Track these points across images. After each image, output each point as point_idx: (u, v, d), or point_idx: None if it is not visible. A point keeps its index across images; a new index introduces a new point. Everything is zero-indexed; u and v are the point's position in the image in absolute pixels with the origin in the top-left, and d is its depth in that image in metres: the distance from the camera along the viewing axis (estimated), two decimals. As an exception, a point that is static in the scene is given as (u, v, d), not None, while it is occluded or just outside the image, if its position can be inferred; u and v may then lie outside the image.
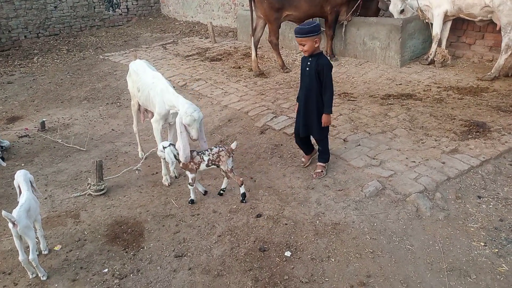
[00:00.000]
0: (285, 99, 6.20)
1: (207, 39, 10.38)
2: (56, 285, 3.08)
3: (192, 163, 3.86)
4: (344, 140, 4.86)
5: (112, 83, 7.86)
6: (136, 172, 4.53)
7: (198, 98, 6.70)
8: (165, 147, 3.87)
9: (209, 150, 3.93)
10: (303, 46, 3.81)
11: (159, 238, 3.55)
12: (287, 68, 7.64)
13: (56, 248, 3.47)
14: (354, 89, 6.41)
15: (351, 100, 5.99)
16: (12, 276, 3.21)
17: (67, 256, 3.38)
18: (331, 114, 4.04)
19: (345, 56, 7.87)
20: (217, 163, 3.88)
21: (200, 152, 3.92)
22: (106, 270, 3.21)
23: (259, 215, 3.74)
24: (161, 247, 3.43)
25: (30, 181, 3.35)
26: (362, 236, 3.42)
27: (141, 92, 4.26)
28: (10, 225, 2.98)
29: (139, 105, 4.66)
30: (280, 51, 7.68)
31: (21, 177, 3.32)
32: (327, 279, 3.02)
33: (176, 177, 4.46)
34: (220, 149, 3.92)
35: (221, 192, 4.07)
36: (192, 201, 3.96)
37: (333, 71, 3.96)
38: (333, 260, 3.20)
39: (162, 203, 4.03)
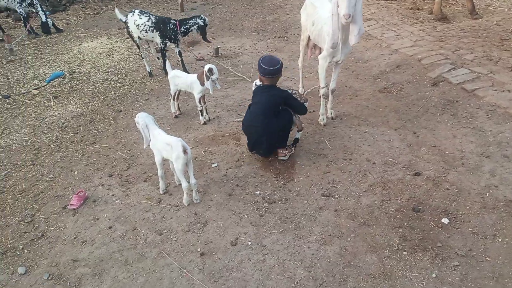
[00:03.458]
0: (469, 50, 5.36)
1: (385, -25, 9.48)
2: (215, 195, 3.44)
3: None
4: (540, 107, 4.02)
5: (282, 16, 7.93)
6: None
7: (366, 39, 6.30)
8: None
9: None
10: None
11: (309, 174, 3.60)
12: (477, 13, 6.53)
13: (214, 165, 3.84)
14: None
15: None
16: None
17: (226, 173, 3.71)
18: None
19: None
20: None
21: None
22: (258, 192, 3.43)
23: (417, 174, 3.45)
24: (309, 183, 3.48)
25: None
26: (544, 223, 2.87)
27: (315, 25, 4.14)
28: (181, 154, 3.11)
29: (308, 40, 4.58)
30: (472, -7, 6.56)
31: (148, 119, 3.31)
32: (488, 259, 2.67)
33: (332, 118, 4.38)
34: (293, 91, 3.93)
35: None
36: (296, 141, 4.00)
37: None
38: (499, 240, 2.79)
39: (315, 141, 4.03)
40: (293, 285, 2.60)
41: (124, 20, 5.51)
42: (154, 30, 5.35)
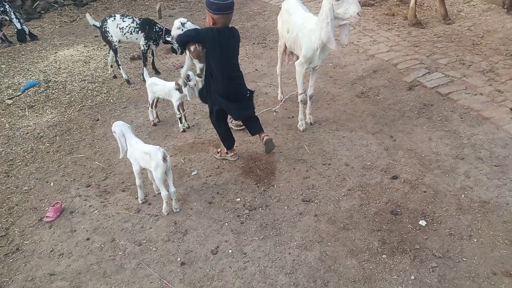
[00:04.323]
0: (443, 54, 5.50)
1: (360, -18, 9.66)
2: (195, 203, 3.41)
3: None
4: (511, 109, 4.14)
5: (260, 23, 7.98)
6: (274, 113, 4.62)
7: (343, 44, 6.38)
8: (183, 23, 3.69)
9: None
10: None
11: (289, 179, 3.61)
12: (449, 19, 6.71)
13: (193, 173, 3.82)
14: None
15: (528, 63, 5.01)
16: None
17: (206, 180, 3.69)
18: None
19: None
20: None
21: None
22: (238, 199, 3.42)
23: (395, 177, 3.50)
24: (290, 189, 3.49)
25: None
26: (516, 222, 2.95)
27: (290, 33, 4.18)
28: (160, 162, 3.06)
29: (285, 47, 4.62)
30: (444, -1, 6.75)
31: (124, 128, 3.28)
32: (464, 259, 2.72)
33: (311, 123, 4.41)
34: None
35: None
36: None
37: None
38: (475, 240, 2.85)
39: (295, 147, 4.05)
40: (275, 292, 2.60)
41: (98, 25, 5.46)
42: (139, 31, 5.42)
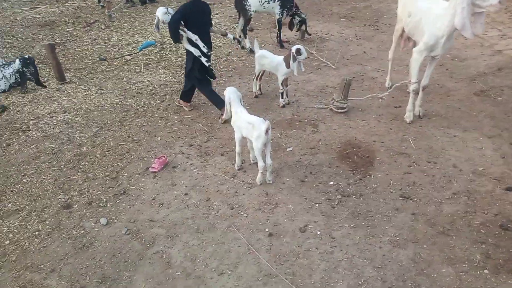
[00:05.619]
0: None
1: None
2: (288, 179, 3.43)
3: None
4: None
5: (374, 4, 7.59)
6: (380, 100, 4.41)
7: (476, 33, 5.80)
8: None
9: None
10: None
11: (388, 172, 3.45)
12: None
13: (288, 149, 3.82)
14: None
15: None
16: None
17: (300, 158, 3.68)
18: None
19: None
20: None
21: None
22: (331, 183, 3.36)
23: (510, 189, 3.15)
24: (388, 182, 3.34)
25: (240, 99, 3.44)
26: None
27: (412, 17, 3.90)
28: (263, 133, 3.12)
29: (402, 31, 4.33)
30: None
31: (233, 96, 3.39)
32: None
33: (419, 116, 4.13)
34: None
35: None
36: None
37: None
38: None
39: (398, 139, 3.84)
40: (360, 282, 2.53)
41: None
42: (276, 0, 5.79)
